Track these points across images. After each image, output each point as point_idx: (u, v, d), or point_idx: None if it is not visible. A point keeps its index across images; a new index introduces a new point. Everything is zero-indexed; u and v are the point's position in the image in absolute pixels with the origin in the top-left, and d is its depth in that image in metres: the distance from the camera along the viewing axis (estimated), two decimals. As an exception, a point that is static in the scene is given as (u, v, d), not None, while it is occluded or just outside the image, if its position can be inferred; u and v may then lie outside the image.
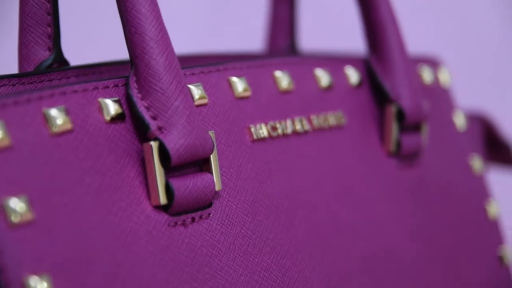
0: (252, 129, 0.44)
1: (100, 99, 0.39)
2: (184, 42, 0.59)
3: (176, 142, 0.39)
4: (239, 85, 0.44)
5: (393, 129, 0.50)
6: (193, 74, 0.42)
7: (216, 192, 0.41)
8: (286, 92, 0.46)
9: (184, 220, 0.40)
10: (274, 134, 0.45)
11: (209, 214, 0.41)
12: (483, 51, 0.90)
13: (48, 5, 0.43)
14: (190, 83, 0.42)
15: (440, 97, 0.56)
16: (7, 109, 0.36)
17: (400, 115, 0.51)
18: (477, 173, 0.56)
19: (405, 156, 0.51)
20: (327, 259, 0.45)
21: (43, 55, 0.43)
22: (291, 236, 0.44)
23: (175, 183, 0.39)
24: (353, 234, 0.47)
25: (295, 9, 0.59)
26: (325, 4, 0.84)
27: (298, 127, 0.46)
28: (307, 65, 0.48)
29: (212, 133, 0.41)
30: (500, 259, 0.56)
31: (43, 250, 0.35)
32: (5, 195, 0.34)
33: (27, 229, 0.35)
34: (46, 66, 0.43)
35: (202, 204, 0.40)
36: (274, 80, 0.46)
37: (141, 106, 0.39)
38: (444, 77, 0.57)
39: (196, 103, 0.41)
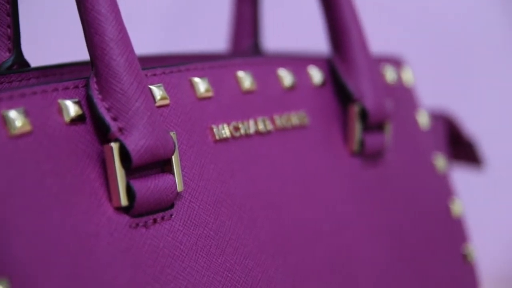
0: (215, 130, 0.44)
1: (60, 101, 0.38)
2: (145, 43, 0.59)
3: (137, 143, 0.38)
4: (201, 85, 0.44)
5: (357, 128, 0.51)
6: (154, 74, 0.42)
7: (178, 193, 0.41)
8: (248, 92, 0.46)
9: (145, 222, 0.39)
10: (237, 134, 0.45)
11: (171, 215, 0.41)
12: (446, 50, 0.91)
13: (8, 6, 0.43)
14: (151, 84, 0.41)
15: (403, 96, 0.56)
16: (-36, 111, 0.35)
17: (364, 115, 0.51)
18: (440, 171, 0.56)
19: (369, 156, 0.51)
20: (290, 259, 0.45)
21: (3, 56, 0.43)
22: (254, 236, 0.44)
23: (136, 184, 0.39)
24: (317, 233, 0.47)
25: (258, 8, 0.59)
26: (289, 4, 0.84)
27: (261, 127, 0.46)
28: (270, 65, 0.48)
29: (174, 134, 0.41)
30: (464, 257, 0.56)
31: (1, 254, 0.34)
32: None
33: (-14, 232, 0.34)
34: (5, 67, 0.43)
35: (164, 205, 0.40)
36: (237, 80, 0.46)
37: (101, 107, 0.39)
38: (407, 76, 0.57)
39: (157, 104, 0.41)
